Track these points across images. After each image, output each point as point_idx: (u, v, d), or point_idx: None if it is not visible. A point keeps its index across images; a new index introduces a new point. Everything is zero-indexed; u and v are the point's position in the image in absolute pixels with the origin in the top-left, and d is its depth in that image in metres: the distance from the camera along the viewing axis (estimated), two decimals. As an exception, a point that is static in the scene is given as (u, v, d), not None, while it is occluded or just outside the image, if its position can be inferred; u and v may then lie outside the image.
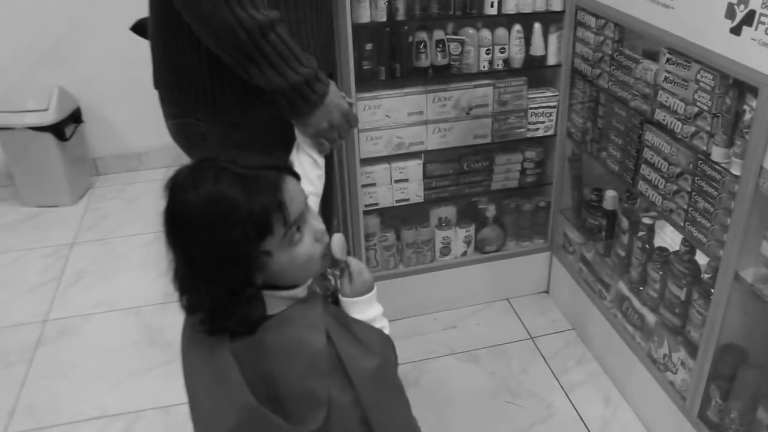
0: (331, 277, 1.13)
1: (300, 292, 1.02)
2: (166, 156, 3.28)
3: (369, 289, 1.09)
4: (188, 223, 0.91)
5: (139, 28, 1.64)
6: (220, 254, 0.90)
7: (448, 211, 2.24)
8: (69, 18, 3.00)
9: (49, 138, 2.93)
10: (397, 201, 2.13)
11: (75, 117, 3.09)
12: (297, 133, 1.32)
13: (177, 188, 0.93)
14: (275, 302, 0.98)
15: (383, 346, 1.06)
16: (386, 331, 1.09)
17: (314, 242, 0.99)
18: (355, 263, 1.09)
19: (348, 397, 0.97)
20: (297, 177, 1.00)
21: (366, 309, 1.08)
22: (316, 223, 1.01)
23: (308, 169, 1.30)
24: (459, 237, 2.25)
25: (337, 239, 1.06)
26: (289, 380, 0.94)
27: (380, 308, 1.11)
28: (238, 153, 0.97)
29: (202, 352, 0.99)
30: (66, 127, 3.01)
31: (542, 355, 2.14)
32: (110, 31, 3.01)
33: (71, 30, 3.03)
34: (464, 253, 2.28)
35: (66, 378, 2.10)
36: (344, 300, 1.09)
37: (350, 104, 1.34)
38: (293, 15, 1.32)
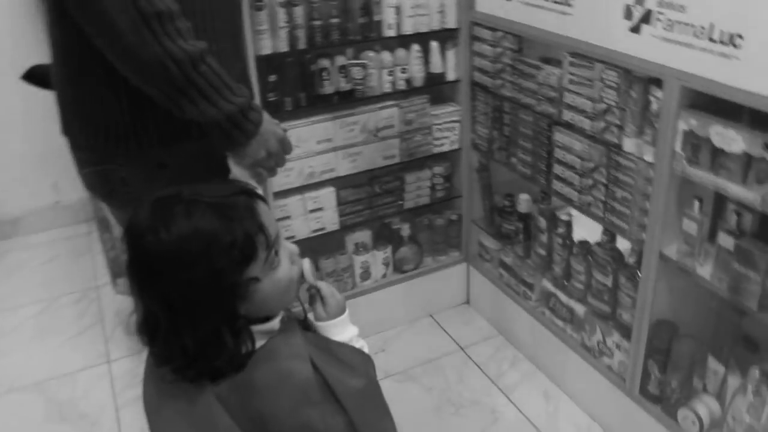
0: (299, 304, 1.09)
1: (276, 324, 0.99)
2: (45, 219, 3.04)
3: (343, 310, 1.08)
4: (165, 264, 0.85)
5: (32, 76, 1.52)
6: (205, 289, 0.85)
7: (364, 236, 2.23)
8: None
9: None
10: (314, 231, 2.10)
11: (-64, 186, 2.81)
12: (232, 165, 1.28)
13: (144, 232, 0.87)
14: (255, 337, 0.94)
15: (365, 365, 1.06)
16: (365, 350, 1.08)
17: (291, 264, 0.97)
18: (325, 286, 1.08)
19: (341, 421, 0.96)
20: (265, 200, 0.97)
21: (343, 330, 1.08)
22: (289, 245, 0.99)
23: None
24: (377, 260, 2.25)
25: (307, 264, 1.04)
26: (282, 415, 0.91)
27: (355, 328, 1.09)
28: (199, 185, 0.93)
29: (179, 403, 0.93)
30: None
31: (476, 363, 2.17)
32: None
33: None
34: (384, 275, 2.29)
35: (-30, 473, 1.88)
36: (320, 325, 1.06)
37: (284, 130, 1.32)
38: (214, 45, 1.28)
